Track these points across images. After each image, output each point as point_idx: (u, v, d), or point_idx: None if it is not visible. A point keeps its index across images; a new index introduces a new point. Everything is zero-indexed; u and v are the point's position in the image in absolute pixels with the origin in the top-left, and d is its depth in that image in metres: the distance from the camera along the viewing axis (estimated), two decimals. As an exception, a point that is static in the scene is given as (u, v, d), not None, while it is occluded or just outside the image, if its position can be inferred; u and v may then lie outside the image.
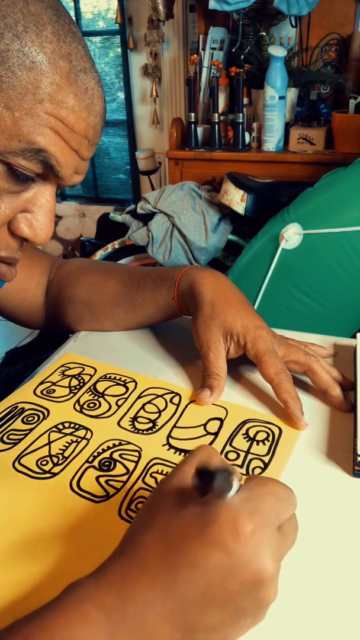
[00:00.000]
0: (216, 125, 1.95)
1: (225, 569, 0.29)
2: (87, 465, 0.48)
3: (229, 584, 0.30)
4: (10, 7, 0.35)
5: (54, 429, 0.53)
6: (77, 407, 0.56)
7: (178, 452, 0.49)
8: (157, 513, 0.33)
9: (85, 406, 0.56)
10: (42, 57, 0.36)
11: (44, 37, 0.36)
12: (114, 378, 0.61)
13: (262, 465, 0.47)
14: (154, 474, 0.47)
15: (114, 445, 0.51)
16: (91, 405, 0.56)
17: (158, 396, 0.57)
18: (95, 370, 0.62)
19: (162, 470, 0.47)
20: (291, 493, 0.34)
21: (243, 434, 0.51)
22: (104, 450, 0.50)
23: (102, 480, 0.47)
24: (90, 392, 0.58)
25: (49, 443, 0.51)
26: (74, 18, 2.67)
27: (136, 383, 0.60)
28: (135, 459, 0.49)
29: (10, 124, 0.36)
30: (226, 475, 0.31)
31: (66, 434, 0.52)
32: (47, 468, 0.48)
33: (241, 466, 0.47)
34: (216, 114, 1.94)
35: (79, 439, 0.51)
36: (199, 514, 0.31)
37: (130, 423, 0.54)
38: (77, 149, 0.40)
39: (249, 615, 0.31)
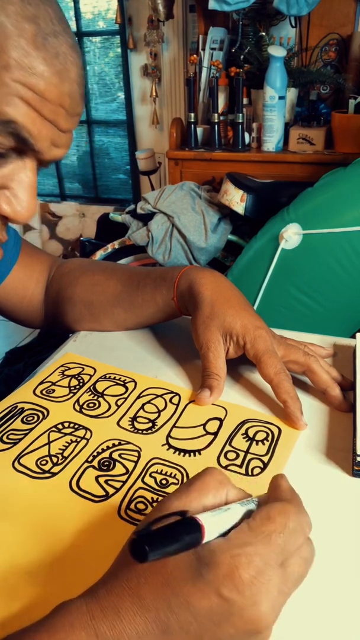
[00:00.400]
0: (216, 126, 1.95)
1: (218, 616, 0.28)
2: (86, 465, 0.48)
3: (223, 631, 0.29)
4: None
5: (54, 428, 0.53)
6: (77, 407, 0.56)
7: (177, 452, 0.49)
8: None
9: (84, 406, 0.56)
10: (4, 19, 0.32)
11: None
12: (114, 378, 0.61)
13: (262, 465, 0.47)
14: (153, 474, 0.47)
15: (114, 445, 0.51)
16: (91, 405, 0.56)
17: (157, 396, 0.57)
18: (95, 370, 0.62)
19: (162, 470, 0.47)
20: (302, 520, 0.32)
21: (242, 434, 0.51)
22: (103, 450, 0.50)
23: (101, 480, 0.47)
24: (90, 392, 0.58)
25: (49, 443, 0.51)
26: (73, 18, 2.66)
27: (136, 383, 0.60)
28: (135, 458, 0.49)
29: None
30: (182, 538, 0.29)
31: (66, 434, 0.52)
32: (46, 468, 0.48)
33: (240, 466, 0.48)
34: (216, 114, 1.94)
35: (78, 439, 0.52)
36: (197, 553, 0.30)
37: (130, 423, 0.54)
38: (51, 118, 0.37)
39: None
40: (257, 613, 0.29)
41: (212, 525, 0.30)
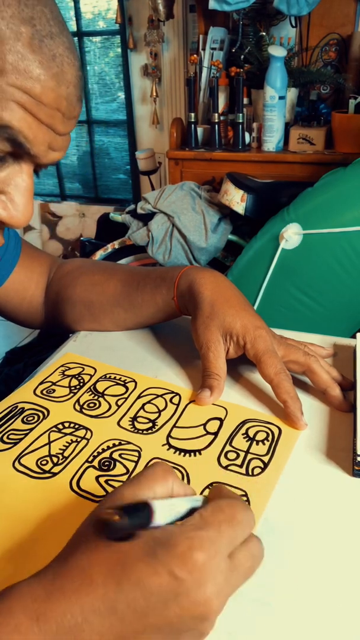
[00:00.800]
0: (216, 125, 1.95)
1: (167, 594, 0.29)
2: (87, 465, 0.48)
3: (169, 609, 0.29)
4: None
5: (54, 428, 0.53)
6: (77, 407, 0.56)
7: (178, 452, 0.49)
8: None
9: (85, 406, 0.56)
10: (0, 22, 0.32)
11: (2, 1, 0.32)
12: (114, 378, 0.61)
13: (262, 465, 0.47)
14: (153, 474, 0.47)
15: (114, 445, 0.51)
16: (91, 405, 0.56)
17: (158, 396, 0.57)
18: (95, 370, 0.62)
19: (162, 470, 0.47)
20: (248, 515, 0.33)
21: (243, 434, 0.51)
22: (103, 450, 0.50)
23: (102, 480, 0.47)
24: (90, 392, 0.58)
25: (49, 443, 0.51)
26: (73, 18, 2.66)
27: (136, 383, 0.60)
28: (135, 458, 0.49)
29: None
30: (138, 515, 0.30)
31: (66, 434, 0.52)
32: (47, 468, 0.48)
33: (240, 466, 0.48)
34: (216, 114, 1.94)
35: (78, 439, 0.52)
36: (153, 535, 0.31)
37: (130, 423, 0.54)
38: (48, 122, 0.36)
39: None
40: (202, 595, 0.29)
41: (161, 508, 0.32)
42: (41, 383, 0.60)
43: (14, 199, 0.40)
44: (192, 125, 1.99)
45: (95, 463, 0.49)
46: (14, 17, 0.33)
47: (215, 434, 0.52)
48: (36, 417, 0.55)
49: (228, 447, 0.50)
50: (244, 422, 0.53)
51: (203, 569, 0.29)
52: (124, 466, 0.48)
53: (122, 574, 0.29)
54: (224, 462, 0.48)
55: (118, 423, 0.54)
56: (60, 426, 0.53)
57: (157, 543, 0.30)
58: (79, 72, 0.38)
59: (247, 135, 1.97)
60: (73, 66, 0.37)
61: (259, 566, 0.34)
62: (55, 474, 0.47)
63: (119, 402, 0.57)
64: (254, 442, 0.50)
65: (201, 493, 0.45)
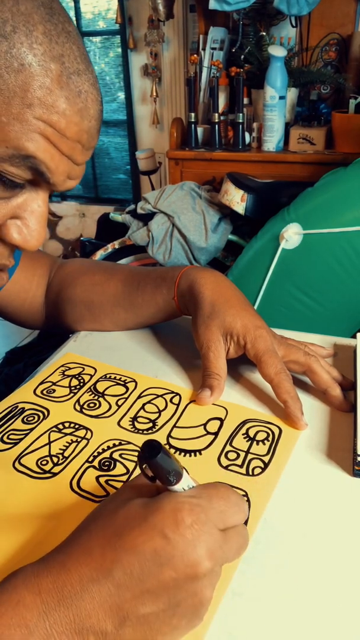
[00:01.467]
0: (216, 125, 1.95)
1: (161, 557, 0.30)
2: (87, 465, 0.48)
3: (164, 573, 0.30)
4: None
5: (54, 428, 0.53)
6: (77, 407, 0.56)
7: (178, 452, 0.49)
8: (108, 504, 0.34)
9: (85, 406, 0.56)
10: (32, 59, 0.34)
11: (34, 38, 0.34)
12: (114, 378, 0.61)
13: (262, 465, 0.47)
14: (154, 474, 0.47)
15: (114, 445, 0.51)
16: (91, 405, 0.56)
17: (158, 396, 0.57)
18: (95, 370, 0.62)
19: (162, 470, 0.47)
20: (243, 501, 0.35)
21: (243, 434, 0.51)
22: (104, 450, 0.50)
23: (102, 480, 0.47)
24: (91, 392, 0.58)
25: (49, 443, 0.51)
26: (74, 18, 2.67)
27: (136, 383, 0.60)
28: (135, 458, 0.49)
29: None
30: (176, 465, 0.33)
31: (66, 434, 0.52)
32: (47, 468, 0.48)
33: (241, 466, 0.48)
34: (216, 114, 1.94)
35: (79, 439, 0.52)
36: (145, 504, 0.33)
37: (130, 423, 0.54)
38: (69, 154, 0.38)
39: (184, 615, 0.31)
40: (194, 555, 0.30)
41: (186, 481, 0.34)
42: (41, 383, 0.60)
43: (29, 224, 0.41)
44: (192, 125, 1.99)
45: (96, 463, 0.48)
46: (45, 55, 0.34)
47: (216, 434, 0.52)
48: (36, 417, 0.55)
49: (228, 447, 0.50)
50: (244, 422, 0.53)
51: (193, 530, 0.31)
52: (124, 466, 0.48)
53: (117, 543, 0.31)
54: (224, 462, 0.48)
55: (118, 423, 0.54)
56: (60, 426, 0.53)
57: (149, 510, 0.32)
58: (101, 107, 0.40)
59: (247, 135, 1.97)
60: (96, 101, 0.39)
61: (244, 552, 0.35)
62: (55, 474, 0.47)
63: (119, 402, 0.57)
64: (254, 442, 0.50)
65: None
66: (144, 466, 0.33)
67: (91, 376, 0.61)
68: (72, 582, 0.30)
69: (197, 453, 0.49)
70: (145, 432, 0.52)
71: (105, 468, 0.48)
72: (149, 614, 0.30)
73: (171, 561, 0.30)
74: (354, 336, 0.64)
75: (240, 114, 1.89)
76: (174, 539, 0.30)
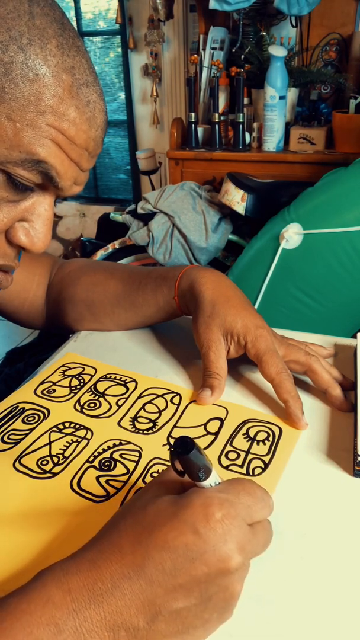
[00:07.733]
0: (216, 125, 1.95)
1: (192, 552, 0.31)
2: (87, 465, 0.48)
3: (196, 568, 0.30)
4: (16, 20, 0.35)
5: (55, 428, 0.53)
6: (78, 407, 0.56)
7: (178, 452, 0.49)
8: (136, 501, 0.35)
9: (85, 406, 0.56)
10: (46, 69, 0.36)
11: (48, 51, 0.36)
12: (115, 378, 0.61)
13: (263, 465, 0.47)
14: (154, 474, 0.47)
15: (115, 445, 0.51)
16: (91, 405, 0.56)
17: (158, 396, 0.57)
18: (96, 370, 0.62)
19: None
20: (268, 496, 0.35)
21: (243, 434, 0.51)
22: (104, 450, 0.50)
23: (102, 480, 0.47)
24: (91, 392, 0.58)
25: (50, 443, 0.51)
26: (74, 18, 2.68)
27: (136, 383, 0.60)
28: (136, 458, 0.49)
29: (12, 134, 0.36)
30: (206, 461, 0.33)
31: (67, 434, 0.52)
32: (47, 468, 0.48)
33: (241, 466, 0.47)
34: (216, 114, 1.94)
35: (79, 439, 0.52)
36: (174, 500, 0.33)
37: (131, 423, 0.54)
38: (77, 160, 0.40)
39: (215, 609, 0.32)
40: (226, 549, 0.31)
41: (214, 477, 0.34)
42: (42, 383, 0.60)
43: (36, 227, 0.43)
44: (193, 125, 1.98)
45: (96, 463, 0.48)
46: (58, 66, 0.37)
47: (216, 434, 0.51)
48: (37, 417, 0.55)
49: (229, 447, 0.50)
50: (244, 422, 0.53)
51: (224, 525, 0.31)
52: (125, 466, 0.48)
53: (148, 539, 0.31)
54: (225, 462, 0.48)
55: (118, 423, 0.54)
56: (60, 426, 0.53)
57: (179, 506, 0.32)
58: (106, 117, 0.43)
59: (247, 135, 1.97)
60: (102, 111, 0.41)
61: (266, 548, 0.35)
62: (55, 474, 0.47)
63: (120, 402, 0.57)
64: (255, 442, 0.50)
65: None
66: (175, 461, 0.33)
67: (91, 376, 0.61)
68: (103, 579, 0.31)
69: (198, 453, 0.49)
70: (145, 432, 0.52)
71: (106, 468, 0.48)
72: (181, 608, 0.31)
73: (203, 556, 0.31)
74: (355, 336, 0.64)
75: (241, 114, 1.89)
76: (205, 533, 0.31)
